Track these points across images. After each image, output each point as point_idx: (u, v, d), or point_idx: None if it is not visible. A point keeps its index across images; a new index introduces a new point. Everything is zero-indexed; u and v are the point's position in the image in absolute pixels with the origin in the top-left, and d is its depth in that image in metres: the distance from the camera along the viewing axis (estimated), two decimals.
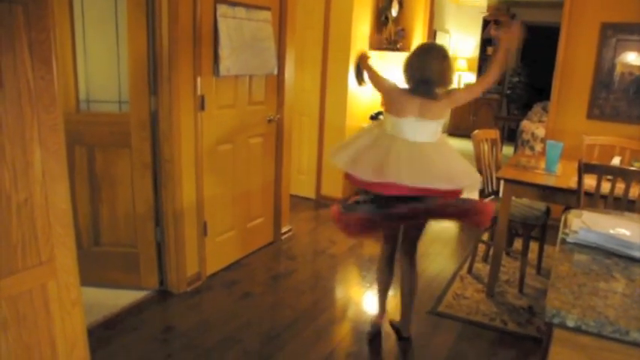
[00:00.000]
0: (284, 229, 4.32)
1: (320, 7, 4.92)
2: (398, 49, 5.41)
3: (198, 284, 3.41)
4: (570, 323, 1.24)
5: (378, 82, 2.87)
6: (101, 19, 3.10)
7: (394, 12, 5.47)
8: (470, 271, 3.84)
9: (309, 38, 5.03)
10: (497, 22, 2.48)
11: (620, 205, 2.83)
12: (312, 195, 5.33)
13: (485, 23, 9.47)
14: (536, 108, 8.11)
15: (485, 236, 3.92)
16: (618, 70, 4.53)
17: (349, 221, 2.60)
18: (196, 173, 3.28)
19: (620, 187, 2.86)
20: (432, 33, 7.01)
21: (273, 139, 4.02)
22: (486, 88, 2.85)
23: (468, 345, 2.94)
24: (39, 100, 1.59)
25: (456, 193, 2.63)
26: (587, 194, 2.96)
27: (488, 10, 9.40)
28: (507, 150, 8.21)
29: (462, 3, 9.18)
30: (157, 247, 3.25)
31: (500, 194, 3.51)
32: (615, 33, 4.46)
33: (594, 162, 3.56)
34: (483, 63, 9.68)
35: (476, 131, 3.74)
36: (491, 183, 3.80)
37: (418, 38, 5.84)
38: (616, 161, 3.59)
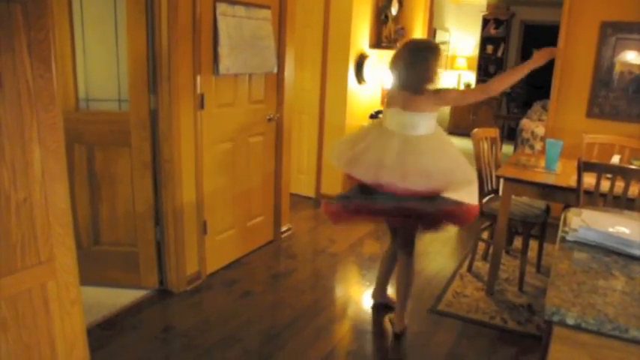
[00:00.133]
0: (284, 228, 4.32)
1: (320, 5, 4.92)
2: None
3: (198, 283, 3.42)
4: (570, 321, 1.24)
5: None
6: (100, 18, 3.10)
7: (394, 10, 5.47)
8: (470, 269, 3.84)
9: (309, 37, 5.03)
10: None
11: (620, 203, 2.83)
12: (311, 194, 5.33)
13: (485, 22, 9.47)
14: (536, 106, 8.11)
15: (485, 235, 3.92)
16: (617, 68, 4.53)
17: (334, 208, 2.81)
18: (196, 172, 3.28)
19: (619, 185, 2.86)
20: (432, 31, 7.02)
21: (272, 138, 4.02)
22: (486, 97, 2.89)
23: (468, 343, 2.94)
24: (38, 99, 1.59)
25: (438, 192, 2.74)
26: (587, 193, 2.96)
27: (487, 9, 9.40)
28: (507, 149, 8.21)
29: (462, 2, 9.18)
30: (156, 246, 3.25)
31: (500, 193, 3.51)
32: (615, 32, 4.46)
33: (594, 160, 3.56)
34: (483, 62, 9.70)
35: (475, 130, 3.74)
36: (491, 181, 3.80)
37: (418, 37, 5.84)
38: (615, 160, 3.59)
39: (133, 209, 3.18)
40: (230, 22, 3.27)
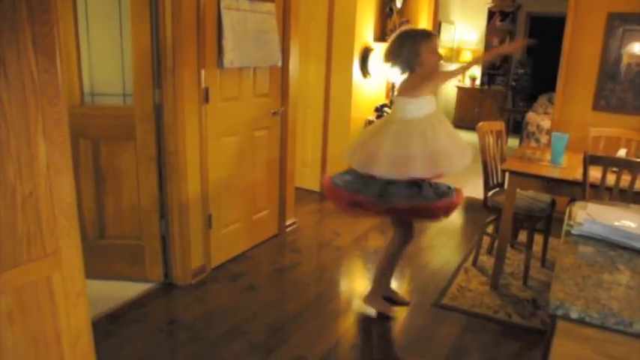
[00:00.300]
0: (289, 222, 4.32)
1: None
2: None
3: (203, 276, 3.43)
4: (574, 315, 1.24)
5: None
6: (105, 12, 3.10)
7: (399, 3, 5.44)
8: (474, 263, 3.84)
9: (313, 30, 5.01)
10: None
11: (626, 197, 2.82)
12: (316, 187, 5.33)
13: (491, 14, 9.41)
14: (542, 99, 8.07)
15: (490, 228, 3.91)
16: (625, 60, 4.49)
17: (339, 195, 2.87)
18: (201, 166, 3.28)
19: (625, 179, 2.85)
20: (437, 24, 6.98)
21: (277, 132, 4.02)
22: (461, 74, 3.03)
23: (472, 337, 2.94)
24: (43, 93, 1.59)
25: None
26: (593, 186, 2.95)
27: (493, 1, 9.34)
28: (513, 142, 8.18)
29: None
30: (161, 239, 3.26)
31: (505, 186, 3.50)
32: (622, 23, 4.42)
33: (600, 154, 3.54)
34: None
35: (481, 123, 3.73)
36: (496, 175, 3.79)
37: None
38: (622, 153, 3.57)
39: (139, 203, 3.19)
40: (234, 15, 3.26)
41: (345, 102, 5.07)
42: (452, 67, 9.39)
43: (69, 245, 1.71)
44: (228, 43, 3.23)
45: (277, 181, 4.13)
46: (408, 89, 2.81)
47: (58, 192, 1.66)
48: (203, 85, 3.18)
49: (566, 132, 3.68)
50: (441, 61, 2.88)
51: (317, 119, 5.21)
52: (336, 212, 4.72)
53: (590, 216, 1.76)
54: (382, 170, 2.71)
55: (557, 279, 1.38)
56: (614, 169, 2.91)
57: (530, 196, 3.72)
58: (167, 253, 3.29)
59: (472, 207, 5.08)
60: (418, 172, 2.69)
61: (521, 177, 3.27)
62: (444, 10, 8.27)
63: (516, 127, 8.83)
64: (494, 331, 3.00)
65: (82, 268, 1.79)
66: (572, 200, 2.75)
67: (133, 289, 3.19)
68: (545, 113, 7.28)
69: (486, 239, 4.05)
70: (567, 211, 1.93)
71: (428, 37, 2.82)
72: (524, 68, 9.18)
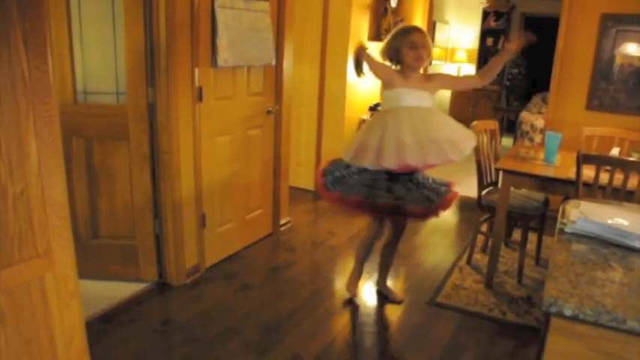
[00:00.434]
0: (283, 221, 4.32)
1: None
2: None
3: (197, 276, 3.42)
4: (568, 312, 1.24)
5: (378, 69, 3.03)
6: (98, 11, 3.08)
7: (393, 3, 5.44)
8: (469, 261, 3.85)
9: (308, 29, 5.01)
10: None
11: (619, 195, 2.83)
12: (311, 186, 5.32)
13: (485, 15, 9.43)
14: (536, 99, 8.09)
15: (484, 227, 3.92)
16: (618, 61, 4.51)
17: (333, 197, 2.92)
18: (195, 165, 3.27)
19: (618, 177, 2.86)
20: (432, 24, 6.99)
21: (271, 131, 4.01)
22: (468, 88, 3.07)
23: (466, 335, 2.95)
24: (34, 91, 1.57)
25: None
26: (586, 185, 2.96)
27: (488, 2, 9.35)
28: (507, 141, 8.20)
29: None
30: (155, 239, 3.25)
31: (499, 185, 3.51)
32: (615, 24, 4.44)
33: (593, 153, 3.55)
34: (483, 54, 9.67)
35: (475, 122, 3.72)
36: (490, 174, 3.79)
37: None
38: (615, 152, 3.59)
39: (132, 202, 3.17)
40: (228, 14, 3.25)
41: (339, 101, 5.07)
42: (446, 67, 9.45)
43: (61, 245, 1.70)
44: (222, 41, 3.22)
45: (271, 180, 4.12)
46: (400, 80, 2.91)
47: (49, 191, 1.65)
48: (197, 84, 3.17)
49: (559, 131, 3.69)
50: (426, 56, 2.89)
51: (311, 118, 5.20)
52: (330, 211, 4.72)
53: (583, 214, 1.76)
54: (374, 160, 2.75)
55: (550, 277, 1.39)
56: (607, 167, 2.92)
57: (523, 195, 3.73)
58: (161, 252, 3.28)
59: (466, 206, 5.09)
60: (410, 159, 2.71)
61: (515, 176, 3.28)
62: (438, 9, 8.27)
63: (510, 127, 8.85)
64: (488, 329, 3.01)
65: (75, 268, 1.78)
66: (566, 199, 2.76)
67: (126, 289, 3.18)
68: (539, 113, 7.31)
69: (480, 238, 4.06)
70: (561, 210, 1.94)
71: (407, 32, 2.90)
72: (519, 68, 9.21)
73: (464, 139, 2.86)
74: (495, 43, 9.55)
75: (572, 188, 3.06)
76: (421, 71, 3.02)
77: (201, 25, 3.12)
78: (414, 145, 2.70)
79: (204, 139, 3.32)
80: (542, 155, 3.56)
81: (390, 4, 5.39)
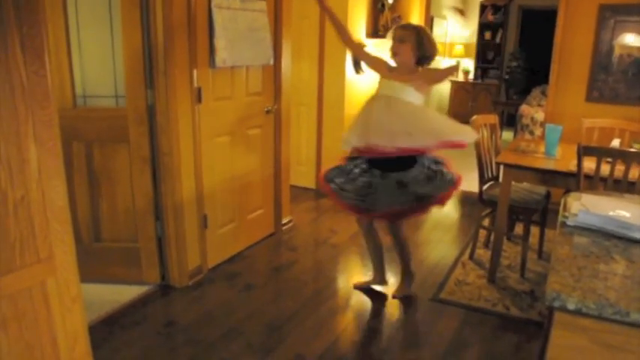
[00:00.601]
0: (284, 220, 4.32)
1: None
2: None
3: (200, 277, 3.42)
4: (571, 306, 1.24)
5: (373, 63, 3.17)
6: (95, 13, 3.08)
7: None
8: (471, 257, 3.84)
9: (306, 27, 5.00)
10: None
11: (620, 187, 2.82)
12: (312, 185, 5.32)
13: (483, 8, 9.41)
14: (535, 92, 8.08)
15: (486, 222, 3.91)
16: (617, 52, 4.50)
17: (337, 200, 3.04)
18: (195, 166, 3.27)
19: (619, 169, 2.85)
20: (429, 19, 6.97)
21: (271, 130, 4.00)
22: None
23: (470, 331, 2.94)
24: (33, 95, 1.57)
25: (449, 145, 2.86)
26: (587, 177, 2.95)
27: None
28: (507, 135, 8.19)
29: None
30: (157, 241, 3.25)
31: (500, 179, 3.50)
32: (613, 14, 4.43)
33: (594, 144, 3.55)
34: (481, 48, 9.65)
35: (475, 117, 3.72)
36: (491, 168, 3.79)
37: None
38: (615, 143, 3.58)
39: (133, 205, 3.17)
40: (225, 14, 3.24)
41: (338, 99, 5.06)
42: (444, 62, 9.44)
43: (63, 250, 1.70)
44: (220, 42, 3.21)
45: (272, 179, 4.12)
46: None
47: (50, 196, 1.65)
48: (195, 85, 3.16)
49: (560, 124, 3.69)
50: (403, 51, 2.95)
51: (311, 116, 5.20)
52: (332, 210, 4.72)
53: (584, 207, 1.76)
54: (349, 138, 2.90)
55: (553, 271, 1.38)
56: (608, 159, 2.91)
57: (525, 189, 3.73)
58: (163, 254, 3.28)
59: (468, 201, 5.08)
60: (373, 140, 2.81)
61: (516, 169, 3.28)
62: (436, 4, 8.25)
63: (510, 120, 8.84)
64: (492, 324, 3.01)
65: (77, 272, 1.78)
66: (567, 191, 2.76)
67: (129, 292, 3.18)
68: (539, 105, 7.29)
69: (483, 232, 4.05)
70: (562, 203, 1.93)
71: (396, 28, 3.05)
72: (517, 61, 9.19)
73: (437, 132, 2.86)
74: (493, 36, 9.54)
75: (573, 181, 3.05)
76: (419, 67, 3.00)
77: (198, 25, 3.11)
78: (377, 127, 2.82)
79: (204, 140, 3.31)
80: (542, 148, 3.55)
81: (387, 0, 5.37)
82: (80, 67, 3.10)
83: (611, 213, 1.70)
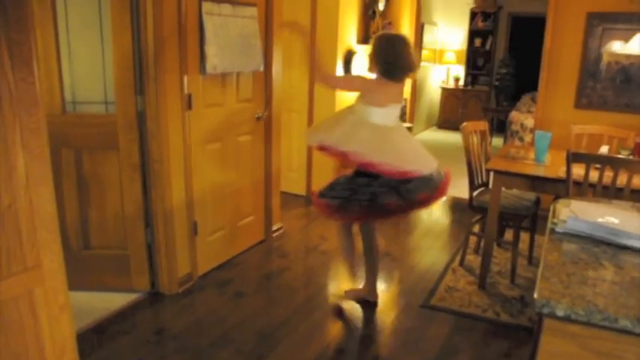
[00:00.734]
0: (275, 227, 4.30)
1: (306, 2, 4.89)
2: None
3: (190, 285, 3.40)
4: (560, 313, 1.24)
5: (347, 82, 3.31)
6: (85, 19, 3.06)
7: (381, 6, 5.46)
8: (461, 263, 3.85)
9: (296, 34, 5.00)
10: None
11: (609, 193, 2.84)
12: (302, 192, 5.32)
13: (473, 15, 9.49)
14: (525, 99, 8.14)
15: (476, 228, 3.93)
16: (605, 59, 4.54)
17: (322, 204, 3.00)
18: (185, 173, 3.26)
19: (608, 175, 2.88)
20: (420, 26, 7.02)
21: (262, 137, 4.00)
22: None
23: (461, 337, 2.95)
24: (20, 102, 1.56)
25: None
26: (576, 183, 2.98)
27: (475, 2, 9.41)
28: (497, 141, 8.22)
29: None
30: (147, 248, 3.23)
31: (490, 186, 3.52)
32: (601, 22, 4.48)
33: (583, 151, 3.57)
34: (471, 55, 9.72)
35: (465, 123, 3.74)
36: (481, 175, 3.80)
37: (406, 32, 5.84)
38: (604, 150, 3.61)
39: (123, 212, 3.15)
40: (216, 20, 3.25)
41: (329, 105, 5.05)
42: (435, 68, 9.48)
43: (50, 258, 1.68)
44: (210, 48, 3.21)
45: (262, 186, 4.11)
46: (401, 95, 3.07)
47: (38, 203, 1.63)
48: (186, 91, 3.16)
49: (549, 130, 3.72)
50: (369, 62, 3.01)
51: (302, 123, 5.19)
52: (322, 216, 4.71)
53: (573, 213, 1.77)
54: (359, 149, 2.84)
55: (542, 277, 1.39)
56: (597, 165, 2.94)
57: (515, 195, 3.75)
58: (153, 262, 3.26)
59: (458, 207, 5.10)
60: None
61: (506, 176, 3.29)
62: (426, 11, 8.31)
63: (500, 127, 8.90)
64: (483, 331, 3.01)
65: (65, 280, 1.76)
66: (557, 198, 2.77)
67: (119, 300, 3.15)
68: (529, 112, 7.34)
69: (473, 239, 4.07)
70: (551, 209, 1.94)
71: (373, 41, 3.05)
72: (507, 68, 9.27)
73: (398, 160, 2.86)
74: (483, 43, 9.61)
75: (562, 187, 3.08)
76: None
77: (188, 32, 3.11)
78: (345, 135, 2.87)
79: (195, 147, 3.30)
80: (532, 155, 3.57)
81: (377, 7, 5.41)
82: (70, 73, 3.08)
83: (599, 219, 1.71)
